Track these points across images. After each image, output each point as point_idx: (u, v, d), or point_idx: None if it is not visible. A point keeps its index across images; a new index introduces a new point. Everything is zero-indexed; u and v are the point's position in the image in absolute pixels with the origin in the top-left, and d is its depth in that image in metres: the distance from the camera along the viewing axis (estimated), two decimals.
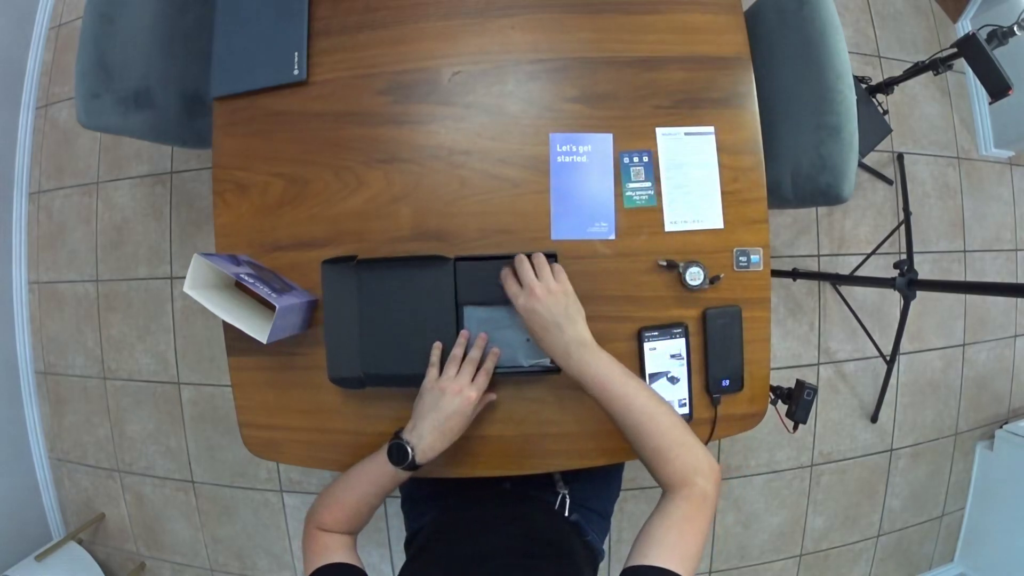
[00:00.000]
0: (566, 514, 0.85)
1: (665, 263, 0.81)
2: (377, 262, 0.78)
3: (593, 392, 0.65)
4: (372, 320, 0.77)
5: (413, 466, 0.68)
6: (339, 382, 0.78)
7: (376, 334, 0.76)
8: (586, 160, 0.82)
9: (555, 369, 0.75)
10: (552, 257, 0.77)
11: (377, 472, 0.71)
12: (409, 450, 0.67)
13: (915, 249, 1.68)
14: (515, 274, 0.71)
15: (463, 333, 0.75)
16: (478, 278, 0.76)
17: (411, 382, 0.75)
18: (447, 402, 0.68)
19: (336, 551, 0.68)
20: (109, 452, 1.84)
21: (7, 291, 1.85)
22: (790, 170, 0.97)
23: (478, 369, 0.73)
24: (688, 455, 0.61)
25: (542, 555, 0.67)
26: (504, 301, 0.73)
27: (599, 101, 0.83)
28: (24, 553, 1.68)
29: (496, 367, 0.75)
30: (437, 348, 0.74)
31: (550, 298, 0.66)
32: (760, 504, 1.77)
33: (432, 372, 0.72)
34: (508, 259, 0.75)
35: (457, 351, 0.73)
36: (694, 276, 0.79)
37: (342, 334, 0.77)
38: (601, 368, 0.64)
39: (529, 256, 0.73)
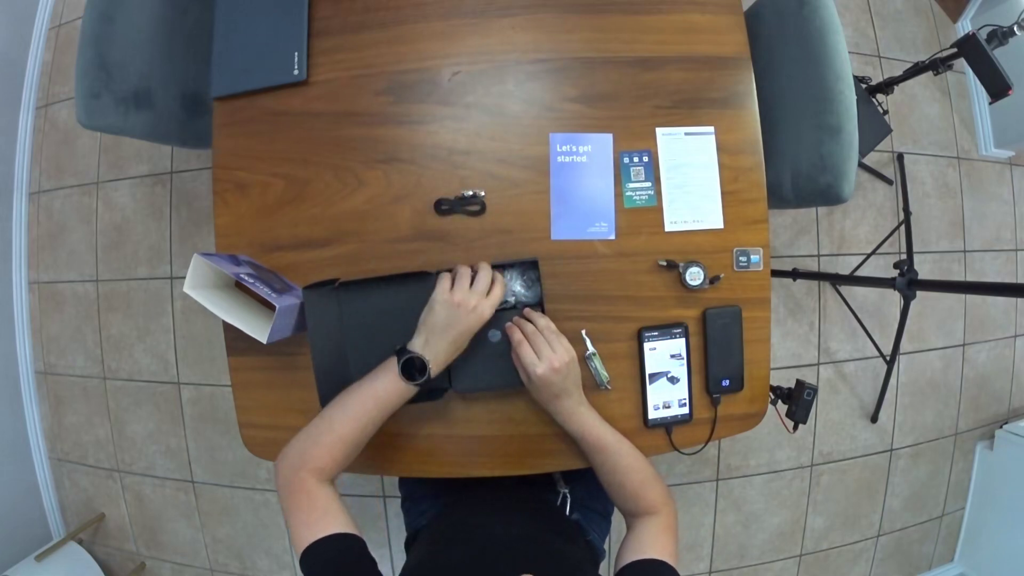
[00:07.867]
0: (567, 513, 0.85)
1: (665, 263, 0.81)
2: (359, 283, 0.76)
3: (587, 442, 0.73)
4: (359, 343, 0.74)
5: (428, 380, 0.67)
6: None
7: (365, 357, 0.73)
8: (586, 160, 0.82)
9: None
10: (532, 264, 0.77)
11: (385, 393, 0.67)
12: (427, 363, 0.66)
13: (915, 249, 1.67)
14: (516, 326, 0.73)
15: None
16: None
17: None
18: (462, 319, 0.67)
19: (335, 515, 0.61)
20: (109, 452, 1.84)
21: (7, 291, 1.85)
22: (790, 170, 0.97)
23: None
24: (660, 486, 0.73)
25: (547, 541, 0.69)
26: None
27: (599, 101, 0.83)
28: (24, 553, 1.68)
29: (484, 386, 0.78)
30: (447, 275, 0.71)
31: (564, 369, 0.70)
32: (760, 504, 1.77)
33: (445, 283, 0.69)
34: (495, 268, 0.74)
35: (465, 270, 0.71)
36: (694, 276, 0.79)
37: (330, 360, 0.75)
38: (597, 424, 0.74)
39: (508, 266, 0.77)
